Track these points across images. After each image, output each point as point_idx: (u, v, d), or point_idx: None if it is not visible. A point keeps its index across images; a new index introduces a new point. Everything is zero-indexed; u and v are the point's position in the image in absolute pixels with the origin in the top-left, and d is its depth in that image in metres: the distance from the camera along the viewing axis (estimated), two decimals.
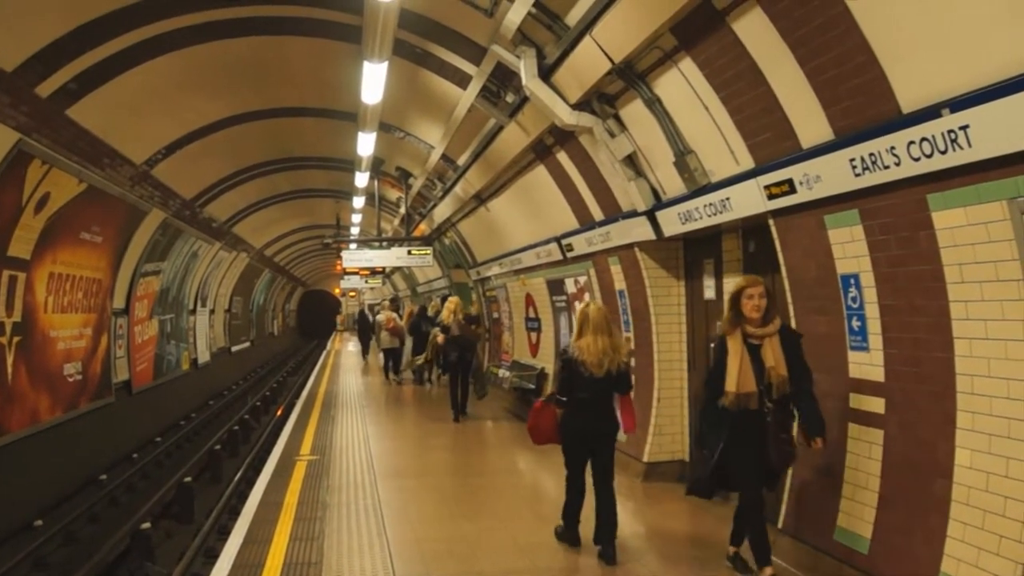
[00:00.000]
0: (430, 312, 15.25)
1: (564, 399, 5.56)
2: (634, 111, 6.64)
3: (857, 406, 4.74)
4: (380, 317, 17.74)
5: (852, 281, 4.72)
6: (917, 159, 3.90)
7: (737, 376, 4.54)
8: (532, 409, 5.99)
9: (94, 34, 7.89)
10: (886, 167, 4.13)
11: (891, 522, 4.40)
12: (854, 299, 4.72)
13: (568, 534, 5.70)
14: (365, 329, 24.30)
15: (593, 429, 5.51)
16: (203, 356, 21.23)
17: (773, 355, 4.55)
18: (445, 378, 14.14)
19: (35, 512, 9.36)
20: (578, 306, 7.78)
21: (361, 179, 15.72)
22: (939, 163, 3.78)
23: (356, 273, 25.44)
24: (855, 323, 4.73)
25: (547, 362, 11.90)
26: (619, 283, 8.44)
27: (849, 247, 4.69)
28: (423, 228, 17.25)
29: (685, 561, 5.43)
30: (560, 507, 5.82)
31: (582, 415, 5.48)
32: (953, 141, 3.66)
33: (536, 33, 7.05)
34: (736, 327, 4.65)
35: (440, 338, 11.97)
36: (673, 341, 7.77)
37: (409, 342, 16.47)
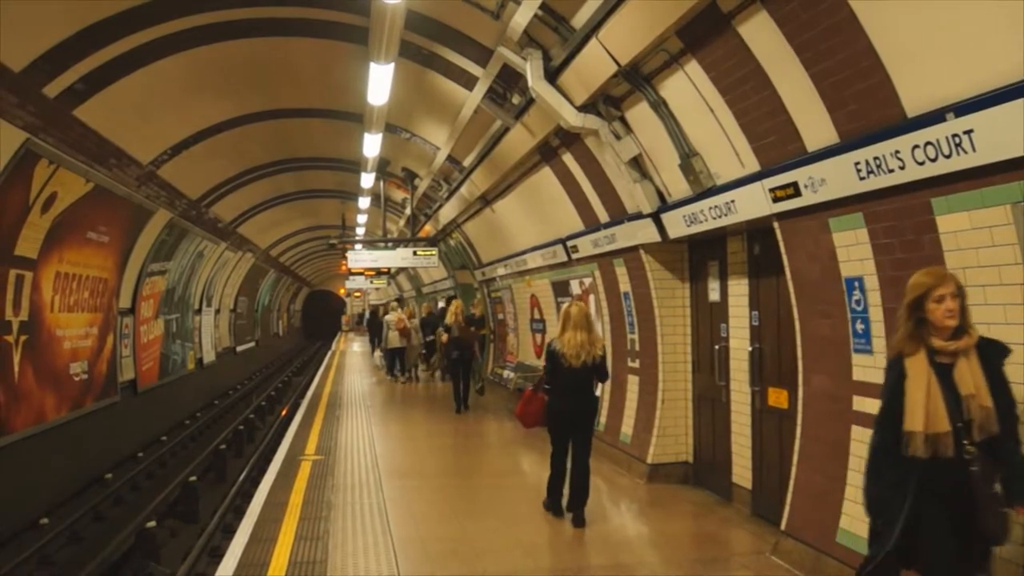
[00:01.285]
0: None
1: (549, 386, 6.32)
2: (640, 113, 6.66)
3: (860, 408, 4.74)
4: (390, 317, 17.71)
5: (856, 284, 4.73)
6: (921, 163, 3.92)
7: (925, 410, 3.27)
8: (523, 396, 6.69)
9: (101, 35, 7.93)
10: (891, 171, 4.14)
11: None
12: (858, 302, 4.73)
13: (551, 504, 6.46)
14: (376, 328, 24.34)
15: (574, 411, 6.27)
16: (208, 356, 21.30)
17: (972, 379, 3.26)
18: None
19: (41, 510, 9.41)
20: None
21: (367, 180, 15.75)
22: (943, 167, 3.80)
23: (361, 274, 25.47)
24: (859, 326, 4.74)
25: None
26: (624, 285, 8.45)
27: (853, 250, 4.70)
28: (428, 229, 17.27)
29: (688, 562, 5.44)
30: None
31: (565, 399, 6.25)
32: (957, 145, 3.67)
33: (542, 35, 7.07)
34: (919, 344, 3.35)
35: (444, 338, 12.60)
36: (678, 343, 7.78)
37: (417, 339, 17.01)
